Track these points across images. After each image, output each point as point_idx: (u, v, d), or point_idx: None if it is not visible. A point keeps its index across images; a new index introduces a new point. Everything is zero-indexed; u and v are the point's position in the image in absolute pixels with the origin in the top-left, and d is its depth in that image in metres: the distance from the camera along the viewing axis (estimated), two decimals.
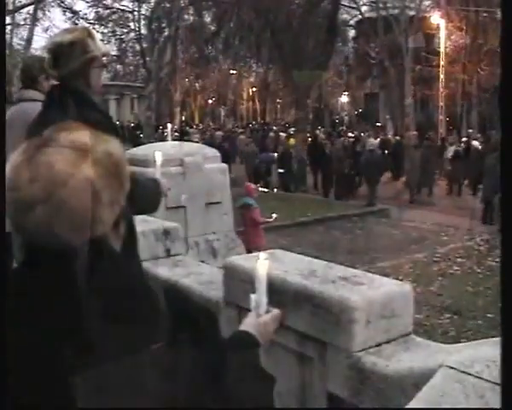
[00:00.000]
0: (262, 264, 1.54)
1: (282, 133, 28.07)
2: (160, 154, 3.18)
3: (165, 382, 1.13)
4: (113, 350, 1.10)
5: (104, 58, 2.80)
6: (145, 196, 2.69)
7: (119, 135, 2.52)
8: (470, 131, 30.39)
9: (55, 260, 1.12)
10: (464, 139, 23.19)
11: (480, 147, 20.40)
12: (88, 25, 26.78)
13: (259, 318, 1.53)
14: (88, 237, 1.12)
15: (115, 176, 1.15)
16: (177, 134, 24.55)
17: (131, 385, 1.11)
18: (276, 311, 1.56)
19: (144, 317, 1.15)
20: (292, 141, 20.57)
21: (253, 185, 10.31)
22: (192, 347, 1.17)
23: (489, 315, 7.43)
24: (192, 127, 37.92)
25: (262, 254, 1.58)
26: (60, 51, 2.55)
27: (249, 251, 9.91)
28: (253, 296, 1.55)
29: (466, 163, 18.96)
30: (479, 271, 9.83)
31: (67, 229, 1.09)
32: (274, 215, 10.03)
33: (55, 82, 2.78)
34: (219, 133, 29.16)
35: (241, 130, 36.03)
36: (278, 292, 2.43)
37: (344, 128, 36.53)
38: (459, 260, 10.62)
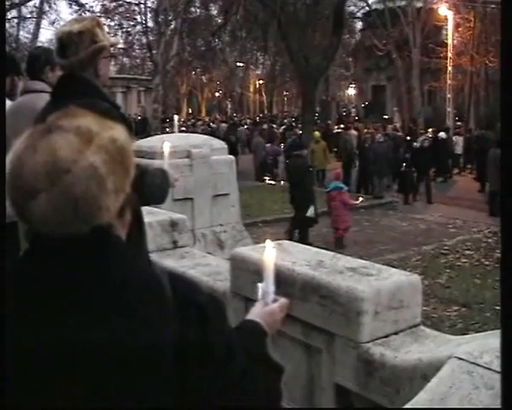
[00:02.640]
0: (269, 253, 1.53)
1: (273, 125, 28.13)
2: (168, 144, 3.17)
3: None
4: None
5: (112, 49, 2.78)
6: (154, 186, 2.68)
7: (127, 125, 2.50)
8: (459, 123, 31.40)
9: (58, 248, 1.10)
10: (430, 130, 24.29)
11: (445, 137, 21.94)
12: None
13: (267, 307, 1.52)
14: (92, 224, 1.10)
15: (120, 163, 1.12)
16: (184, 128, 24.52)
17: None
18: (283, 300, 1.55)
19: (150, 306, 1.13)
20: (317, 133, 20.45)
21: (340, 170, 11.82)
22: (199, 334, 1.16)
23: (497, 307, 7.39)
24: (199, 120, 37.90)
25: (269, 243, 1.56)
26: (69, 40, 2.53)
27: (337, 230, 11.21)
28: (260, 285, 1.54)
29: (432, 153, 19.57)
30: (486, 263, 9.77)
31: (71, 216, 1.07)
32: (361, 198, 11.57)
33: (61, 73, 2.77)
34: (223, 125, 29.23)
35: (244, 122, 36.12)
36: (286, 283, 2.41)
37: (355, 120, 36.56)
38: (467, 252, 10.57)
